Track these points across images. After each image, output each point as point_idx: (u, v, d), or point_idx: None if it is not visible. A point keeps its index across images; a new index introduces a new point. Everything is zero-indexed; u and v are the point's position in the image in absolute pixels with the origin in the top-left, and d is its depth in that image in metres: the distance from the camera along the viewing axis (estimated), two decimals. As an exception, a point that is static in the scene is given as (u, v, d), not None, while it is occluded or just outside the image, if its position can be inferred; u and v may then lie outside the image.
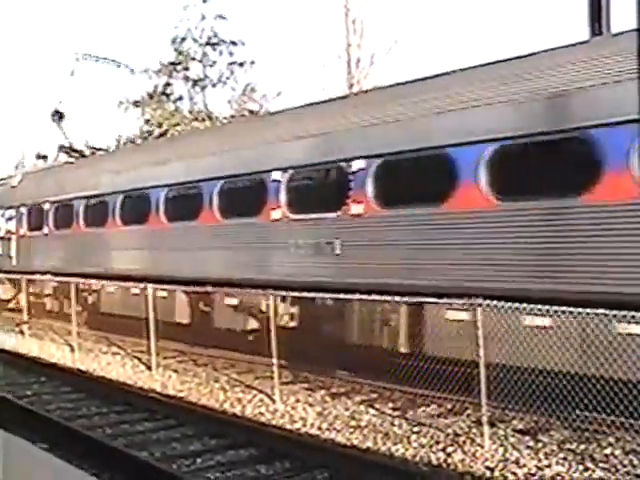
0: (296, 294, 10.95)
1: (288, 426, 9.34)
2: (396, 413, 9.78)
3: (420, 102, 10.57)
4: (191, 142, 16.27)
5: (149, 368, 13.42)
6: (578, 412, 8.37)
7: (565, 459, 7.64)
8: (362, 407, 10.17)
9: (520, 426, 8.86)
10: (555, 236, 8.74)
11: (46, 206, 19.95)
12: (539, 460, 7.65)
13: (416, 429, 8.98)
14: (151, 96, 34.20)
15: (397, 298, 9.63)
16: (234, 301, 13.00)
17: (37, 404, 10.46)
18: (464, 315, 9.13)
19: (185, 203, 14.62)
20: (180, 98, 34.57)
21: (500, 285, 9.13)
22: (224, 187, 13.62)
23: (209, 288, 12.79)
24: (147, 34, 55.49)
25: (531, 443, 8.23)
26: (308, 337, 11.51)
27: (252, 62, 33.63)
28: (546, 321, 8.50)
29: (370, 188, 10.91)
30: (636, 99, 7.68)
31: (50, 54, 68.75)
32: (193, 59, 34.12)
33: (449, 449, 8.15)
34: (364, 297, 10.35)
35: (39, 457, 6.19)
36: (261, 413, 10.13)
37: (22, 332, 18.09)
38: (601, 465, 7.42)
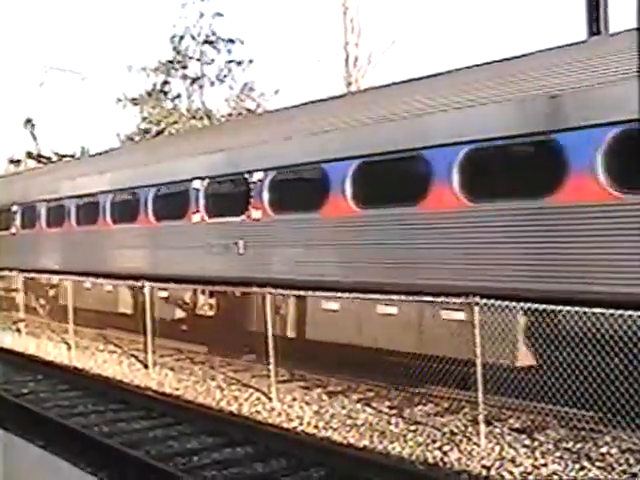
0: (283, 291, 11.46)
1: (285, 424, 9.35)
2: (393, 412, 9.78)
3: (300, 124, 12.55)
4: (131, 154, 18.32)
5: (146, 366, 13.42)
6: (575, 411, 8.40)
7: (561, 458, 7.64)
8: (359, 406, 10.17)
9: (516, 425, 8.87)
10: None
11: (14, 208, 21.54)
12: (535, 459, 7.65)
13: (412, 428, 8.98)
14: (149, 94, 34.17)
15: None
16: (164, 294, 14.57)
17: (33, 402, 10.45)
18: (335, 305, 10.97)
19: (126, 207, 16.37)
20: (178, 96, 34.55)
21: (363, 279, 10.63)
22: (157, 193, 15.36)
23: (145, 282, 13.91)
24: (146, 32, 55.48)
25: (527, 442, 8.23)
26: (224, 324, 13.23)
27: (250, 60, 33.62)
28: (394, 309, 9.96)
29: (266, 196, 12.54)
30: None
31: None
32: (191, 57, 34.08)
33: (445, 448, 8.15)
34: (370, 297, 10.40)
35: (38, 456, 6.20)
36: (258, 411, 10.13)
37: (19, 330, 18.08)
38: (597, 464, 7.42)
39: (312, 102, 13.58)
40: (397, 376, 10.21)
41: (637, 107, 7.40)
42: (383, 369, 10.45)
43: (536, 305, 8.24)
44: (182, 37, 33.73)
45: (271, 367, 10.78)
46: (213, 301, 13.98)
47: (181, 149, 15.48)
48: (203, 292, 13.70)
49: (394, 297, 9.69)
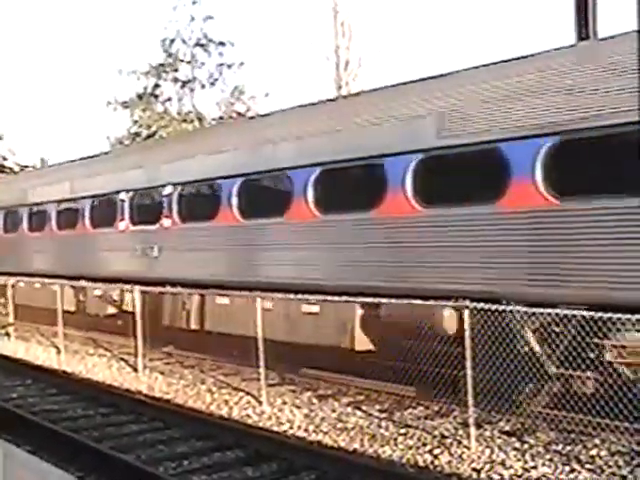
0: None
1: (275, 428, 9.33)
2: (383, 415, 9.78)
3: (202, 145, 14.79)
4: (76, 168, 19.59)
5: (135, 370, 13.37)
6: (564, 413, 8.43)
7: (551, 460, 7.65)
8: (349, 409, 10.17)
9: (507, 428, 8.88)
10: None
11: None
12: (525, 461, 7.66)
13: (403, 431, 8.99)
14: (140, 97, 34.08)
15: (384, 300, 9.82)
16: (99, 292, 16.34)
17: (22, 407, 10.40)
18: (226, 300, 12.77)
19: (68, 216, 18.33)
20: (169, 99, 34.49)
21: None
22: (93, 204, 17.36)
23: (83, 282, 16.14)
24: (137, 35, 55.40)
25: (517, 444, 8.24)
26: (149, 319, 14.31)
27: (241, 63, 33.60)
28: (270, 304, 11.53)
29: (175, 207, 14.48)
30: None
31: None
32: (182, 60, 34.03)
33: (436, 451, 8.15)
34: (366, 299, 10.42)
35: (25, 460, 6.16)
36: (248, 415, 10.11)
37: (8, 334, 17.98)
38: (587, 466, 7.44)
39: (216, 125, 16.30)
40: (387, 380, 10.24)
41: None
42: (374, 372, 10.47)
43: (367, 299, 9.88)
44: (173, 40, 33.68)
45: (261, 370, 10.76)
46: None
47: (113, 165, 17.60)
48: (130, 291, 14.97)
49: (272, 295, 11.30)
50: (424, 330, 9.23)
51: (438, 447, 8.28)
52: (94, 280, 16.27)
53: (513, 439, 8.43)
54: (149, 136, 32.12)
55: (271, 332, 10.99)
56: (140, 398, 11.06)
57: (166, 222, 14.64)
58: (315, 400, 10.78)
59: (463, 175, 9.74)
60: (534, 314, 8.46)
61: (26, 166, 30.72)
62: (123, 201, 16.06)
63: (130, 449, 8.31)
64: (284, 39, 49.89)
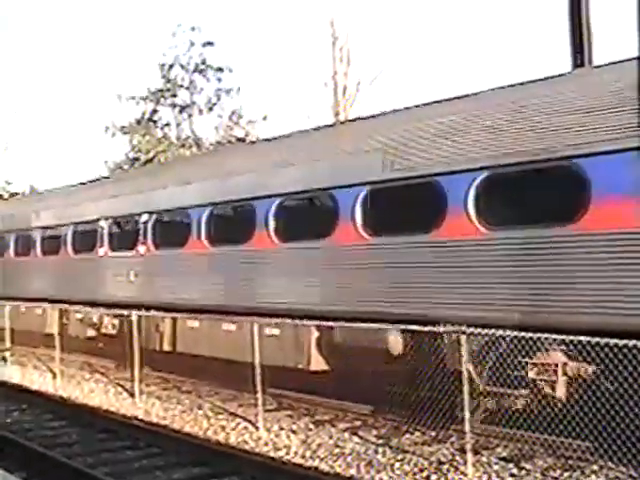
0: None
1: (272, 454, 9.28)
2: (380, 441, 9.74)
3: (175, 175, 15.68)
4: (58, 197, 20.61)
5: (132, 395, 13.32)
6: (562, 439, 8.41)
7: (549, 487, 7.63)
8: (346, 435, 10.13)
9: (504, 453, 8.85)
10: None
11: None
12: (523, 488, 7.63)
13: (400, 457, 8.94)
14: (138, 122, 34.24)
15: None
16: (80, 316, 17.01)
17: (17, 432, 10.33)
18: (196, 323, 13.52)
19: (51, 242, 19.13)
20: (167, 124, 34.65)
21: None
22: (75, 230, 18.07)
23: (66, 306, 16.67)
24: (135, 61, 55.85)
25: (515, 470, 8.21)
26: (124, 341, 14.93)
27: (239, 89, 33.79)
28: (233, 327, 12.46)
29: (149, 234, 15.21)
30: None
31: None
32: (181, 86, 34.24)
33: (433, 477, 8.11)
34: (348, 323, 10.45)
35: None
36: (245, 441, 10.06)
37: (4, 359, 17.90)
38: (584, 493, 7.42)
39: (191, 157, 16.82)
40: (384, 405, 10.23)
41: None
42: (370, 398, 10.45)
43: (322, 322, 10.52)
44: (172, 65, 33.92)
45: (258, 396, 10.73)
46: (116, 322, 16.09)
47: (93, 194, 18.30)
48: (108, 315, 16.02)
49: (236, 318, 12.09)
50: (373, 351, 10.13)
51: (435, 473, 8.24)
52: (76, 304, 16.79)
53: (510, 465, 8.40)
54: (147, 161, 32.23)
55: (234, 353, 12.08)
56: (136, 423, 10.98)
57: (141, 249, 15.44)
58: (312, 426, 10.74)
59: (405, 206, 10.44)
60: (471, 334, 8.85)
61: (16, 193, 31.61)
62: (102, 228, 16.83)
63: (126, 475, 8.26)
64: (283, 65, 50.27)
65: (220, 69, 33.71)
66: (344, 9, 29.76)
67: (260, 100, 43.72)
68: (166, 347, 14.46)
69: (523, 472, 8.13)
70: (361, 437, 9.96)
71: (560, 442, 8.48)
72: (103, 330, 16.49)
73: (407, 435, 9.89)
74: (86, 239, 17.53)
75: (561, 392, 8.55)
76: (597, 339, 7.64)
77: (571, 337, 7.91)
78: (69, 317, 17.44)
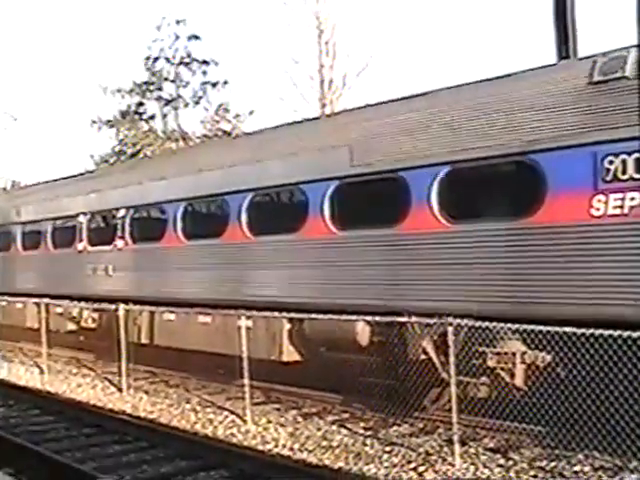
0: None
1: (260, 447, 9.29)
2: (368, 433, 9.78)
3: (151, 171, 15.75)
4: (40, 192, 20.53)
5: (120, 390, 13.29)
6: (548, 429, 8.49)
7: (535, 477, 7.68)
8: (334, 427, 10.16)
9: (491, 444, 8.91)
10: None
11: None
12: (510, 478, 7.69)
13: (388, 449, 8.99)
14: (124, 115, 34.07)
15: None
16: (59, 310, 17.01)
17: (4, 428, 10.27)
18: (172, 316, 13.65)
19: (33, 237, 19.23)
20: (152, 117, 34.48)
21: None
22: (54, 225, 18.25)
23: (45, 300, 16.35)
24: (120, 54, 55.51)
25: (502, 461, 8.27)
26: (103, 334, 15.65)
27: (225, 82, 33.69)
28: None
29: (127, 229, 15.39)
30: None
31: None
32: (166, 79, 34.08)
33: (421, 468, 8.16)
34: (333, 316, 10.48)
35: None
36: (233, 434, 10.08)
37: (-10, 354, 17.83)
38: (571, 482, 7.48)
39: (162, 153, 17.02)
40: (372, 396, 10.27)
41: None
42: (357, 390, 10.49)
43: (293, 315, 10.78)
44: (156, 59, 33.76)
45: (246, 389, 10.74)
46: (96, 315, 16.41)
47: (72, 189, 18.28)
48: (87, 308, 16.30)
49: (212, 311, 12.46)
50: (342, 341, 10.44)
51: (423, 464, 8.28)
52: (56, 298, 16.77)
53: (498, 456, 8.46)
54: (133, 154, 32.10)
55: (210, 345, 12.52)
56: (124, 418, 10.97)
57: (119, 243, 15.60)
58: (300, 418, 10.76)
59: (371, 200, 10.74)
60: (431, 325, 9.20)
61: None
62: (81, 223, 17.01)
63: (114, 469, 8.24)
64: (269, 58, 50.12)
65: (206, 62, 33.62)
66: (329, 1, 29.58)
67: (247, 94, 43.63)
68: (143, 340, 14.69)
69: (510, 462, 8.20)
70: (349, 429, 10.00)
71: (546, 432, 8.56)
72: (83, 324, 16.73)
73: (395, 427, 9.94)
74: (64, 234, 17.70)
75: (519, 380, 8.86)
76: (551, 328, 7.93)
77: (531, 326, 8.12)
78: (49, 311, 17.39)
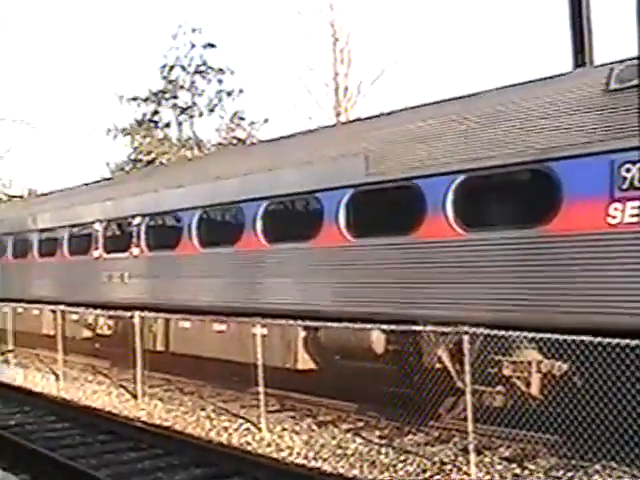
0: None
1: (274, 455, 9.28)
2: (383, 441, 9.74)
3: (166, 179, 15.87)
4: (55, 200, 20.83)
5: (135, 397, 13.33)
6: (565, 439, 8.41)
7: (552, 487, 7.62)
8: (349, 435, 10.13)
9: (506, 454, 8.85)
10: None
11: None
12: (526, 488, 7.63)
13: (402, 457, 8.95)
14: (139, 124, 34.25)
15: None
16: (75, 317, 17.14)
17: (20, 434, 10.33)
18: (188, 324, 13.71)
19: (48, 244, 19.33)
20: (167, 125, 34.62)
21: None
22: (71, 233, 18.37)
23: (61, 307, 16.29)
24: (136, 62, 55.88)
25: (518, 470, 8.21)
26: (118, 341, 15.74)
27: (240, 90, 33.78)
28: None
29: (143, 236, 15.53)
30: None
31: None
32: (182, 87, 34.22)
33: (436, 477, 8.12)
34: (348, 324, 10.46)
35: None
36: (247, 442, 10.07)
37: (7, 361, 17.93)
38: (587, 493, 7.41)
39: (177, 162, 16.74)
40: (387, 405, 10.24)
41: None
42: (373, 398, 10.46)
43: (309, 323, 10.73)
44: (172, 67, 33.90)
45: (261, 397, 10.73)
46: (111, 322, 16.57)
47: (87, 197, 18.50)
48: (103, 315, 16.39)
49: (226, 319, 12.58)
50: (357, 350, 10.46)
51: (438, 474, 8.24)
52: (72, 305, 16.81)
53: (513, 465, 8.40)
54: (149, 162, 32.24)
55: (225, 352, 12.62)
56: (139, 425, 10.99)
57: (135, 251, 15.70)
58: (315, 427, 10.74)
59: (386, 208, 10.80)
60: (447, 333, 9.13)
61: (15, 196, 31.94)
62: (97, 230, 17.16)
63: (129, 477, 8.27)
64: (284, 66, 50.29)
65: (221, 70, 33.72)
66: (344, 10, 29.65)
67: (262, 102, 43.75)
68: (159, 347, 14.74)
69: (526, 472, 8.14)
70: (364, 438, 9.97)
71: (562, 442, 8.49)
72: (99, 331, 16.84)
73: (410, 436, 9.90)
74: (81, 242, 17.81)
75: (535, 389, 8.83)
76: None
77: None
78: (65, 318, 17.40)
